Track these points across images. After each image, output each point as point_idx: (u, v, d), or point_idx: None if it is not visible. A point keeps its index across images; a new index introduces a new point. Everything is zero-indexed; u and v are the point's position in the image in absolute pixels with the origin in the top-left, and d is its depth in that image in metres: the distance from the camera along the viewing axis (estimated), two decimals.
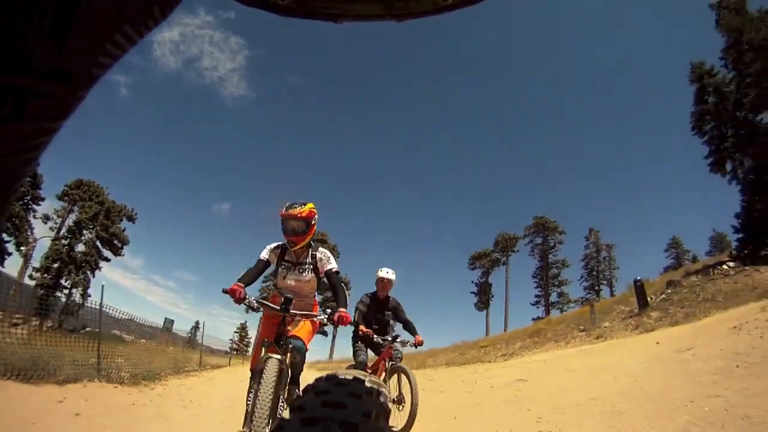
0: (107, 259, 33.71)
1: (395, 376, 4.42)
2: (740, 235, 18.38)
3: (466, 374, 12.15)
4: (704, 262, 21.00)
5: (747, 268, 16.28)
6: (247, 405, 2.65)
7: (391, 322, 4.99)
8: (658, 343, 8.63)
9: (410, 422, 3.94)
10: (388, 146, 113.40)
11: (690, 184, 77.06)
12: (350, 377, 1.03)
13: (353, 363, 5.05)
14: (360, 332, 4.62)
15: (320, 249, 3.21)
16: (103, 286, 8.56)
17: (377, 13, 0.50)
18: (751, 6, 21.54)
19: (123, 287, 69.29)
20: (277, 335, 2.71)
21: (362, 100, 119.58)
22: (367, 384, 1.01)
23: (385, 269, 4.91)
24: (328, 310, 2.95)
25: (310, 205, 3.06)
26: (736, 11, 20.96)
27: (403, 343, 4.76)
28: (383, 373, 4.49)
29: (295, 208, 3.00)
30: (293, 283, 3.11)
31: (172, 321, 20.24)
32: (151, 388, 7.14)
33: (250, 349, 37.07)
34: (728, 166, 19.92)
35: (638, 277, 15.76)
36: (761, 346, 5.30)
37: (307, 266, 3.13)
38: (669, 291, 15.88)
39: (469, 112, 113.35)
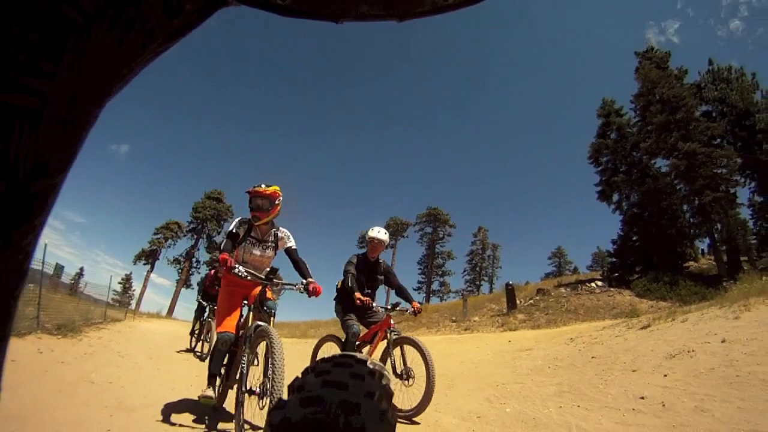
0: None
1: (398, 348, 3.84)
2: (613, 260, 21.45)
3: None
4: (578, 277, 24.00)
5: (612, 289, 18.91)
6: (241, 367, 2.76)
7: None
8: (510, 341, 9.66)
9: (427, 399, 3.43)
10: (296, 134, 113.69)
11: (583, 201, 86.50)
12: (351, 358, 0.98)
13: (330, 335, 4.69)
14: (357, 301, 3.95)
15: (281, 229, 3.43)
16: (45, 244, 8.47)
17: (377, 13, 0.51)
18: (673, 64, 24.60)
19: None
20: (260, 302, 2.96)
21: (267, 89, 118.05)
22: (370, 365, 0.96)
23: (377, 228, 4.39)
24: (303, 280, 3.19)
25: (276, 187, 3.27)
26: (657, 65, 23.66)
27: (402, 312, 4.21)
28: (382, 346, 4.00)
29: (261, 186, 3.22)
30: (255, 257, 3.31)
31: (62, 267, 18.47)
32: (79, 339, 6.94)
33: (134, 302, 35.35)
34: (615, 197, 22.89)
35: (510, 281, 17.25)
36: (574, 355, 6.29)
37: (269, 244, 3.36)
38: (537, 298, 17.85)
39: (382, 104, 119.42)
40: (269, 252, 3.37)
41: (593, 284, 19.87)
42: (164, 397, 3.73)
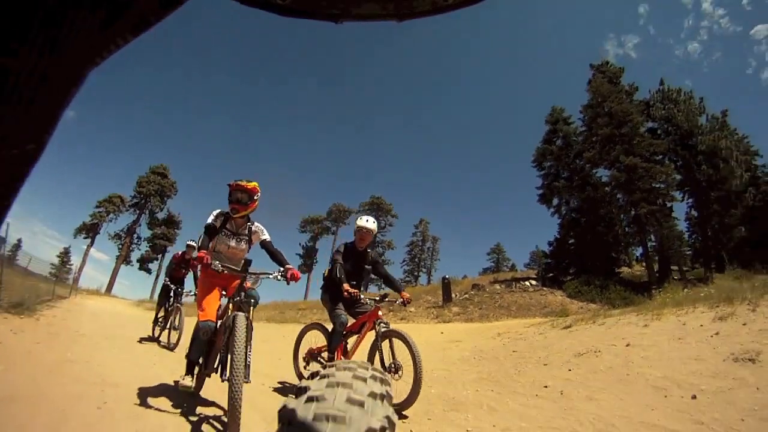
0: None
1: (386, 341, 3.77)
2: (549, 261, 22.06)
3: (286, 331, 12.71)
4: (514, 274, 24.66)
5: (545, 289, 19.63)
6: (220, 356, 2.89)
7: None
8: (442, 332, 9.84)
9: (415, 393, 3.45)
10: (245, 118, 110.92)
11: (526, 201, 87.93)
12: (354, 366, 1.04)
13: (315, 323, 4.66)
14: (345, 293, 3.85)
15: (256, 223, 3.54)
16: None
17: (377, 13, 0.50)
18: (628, 77, 25.46)
19: None
20: (240, 294, 3.03)
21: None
22: (371, 372, 1.03)
23: (365, 217, 4.32)
24: (281, 268, 3.27)
25: (255, 183, 3.38)
26: (610, 79, 24.47)
27: (391, 302, 4.21)
28: (369, 337, 3.95)
29: (243, 181, 3.33)
30: (229, 249, 3.41)
31: (4, 239, 16.96)
32: (37, 319, 6.81)
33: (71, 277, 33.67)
34: (555, 201, 23.55)
35: (447, 275, 17.57)
36: (498, 348, 6.74)
37: (243, 237, 3.46)
38: (472, 292, 18.33)
39: (335, 92, 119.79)
40: (243, 245, 3.47)
41: (528, 283, 20.40)
42: (141, 375, 3.99)
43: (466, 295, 17.85)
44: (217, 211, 3.44)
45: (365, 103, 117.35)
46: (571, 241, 21.55)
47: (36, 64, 0.33)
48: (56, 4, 0.31)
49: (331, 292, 4.09)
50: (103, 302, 21.18)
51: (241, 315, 2.79)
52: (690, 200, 26.16)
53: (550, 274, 21.12)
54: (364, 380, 0.90)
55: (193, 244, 7.33)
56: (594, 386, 3.87)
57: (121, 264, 39.95)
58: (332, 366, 1.04)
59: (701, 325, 5.26)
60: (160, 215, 42.38)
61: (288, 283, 3.20)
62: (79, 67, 0.37)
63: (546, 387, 4.05)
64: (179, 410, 3.03)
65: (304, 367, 4.32)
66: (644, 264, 23.63)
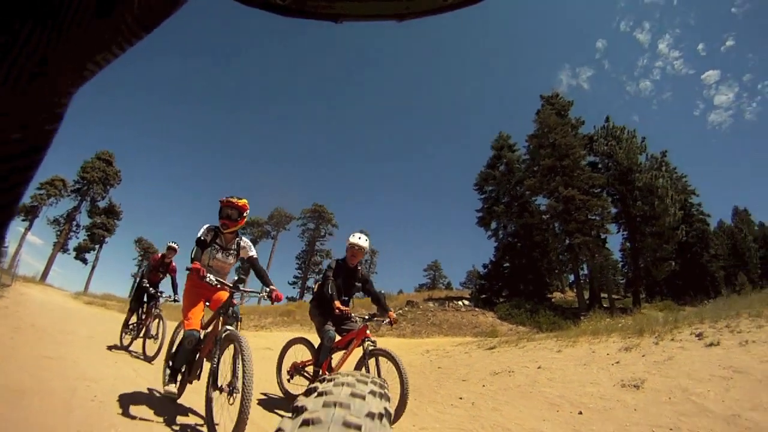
0: None
1: (373, 359, 3.83)
2: (483, 282, 22.61)
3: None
4: (448, 293, 25.19)
5: (477, 309, 20.16)
6: (212, 367, 2.97)
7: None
8: None
9: (401, 411, 3.50)
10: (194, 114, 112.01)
11: (465, 221, 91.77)
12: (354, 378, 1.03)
13: (299, 338, 4.64)
14: (336, 310, 3.93)
15: (244, 239, 3.71)
16: None
17: (377, 13, 0.50)
18: (578, 107, 26.63)
19: None
20: (226, 307, 3.16)
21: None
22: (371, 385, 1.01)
23: (357, 234, 4.31)
24: (267, 288, 3.44)
25: (245, 201, 3.56)
26: (558, 111, 25.46)
27: (379, 322, 4.28)
28: (355, 353, 3.99)
29: (234, 198, 3.50)
30: (219, 263, 3.59)
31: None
32: None
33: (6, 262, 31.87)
34: (493, 225, 24.25)
35: (382, 290, 17.66)
36: (425, 364, 7.27)
37: (232, 251, 3.63)
38: (406, 308, 18.75)
39: (288, 95, 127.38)
40: (231, 259, 3.64)
41: (461, 302, 20.87)
42: (114, 372, 4.28)
43: (400, 311, 18.17)
44: (207, 225, 3.63)
45: (316, 112, 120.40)
46: (506, 265, 22.22)
47: (37, 45, 0.31)
48: None
49: (322, 308, 4.15)
50: (44, 293, 20.11)
51: (238, 332, 2.98)
52: (625, 233, 27.57)
53: (484, 296, 21.67)
54: (363, 398, 0.88)
55: (174, 246, 6.99)
56: (501, 400, 4.49)
57: (58, 251, 37.89)
58: (330, 381, 1.01)
59: (607, 354, 5.80)
60: (102, 204, 40.53)
61: (272, 303, 3.43)
62: (82, 57, 0.36)
63: (461, 398, 4.65)
64: (162, 417, 3.14)
65: (288, 381, 4.37)
66: (575, 291, 24.64)
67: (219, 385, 2.89)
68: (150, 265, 7.07)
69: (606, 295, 26.58)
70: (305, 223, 49.22)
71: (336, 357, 4.14)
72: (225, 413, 2.73)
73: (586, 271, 24.92)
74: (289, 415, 0.85)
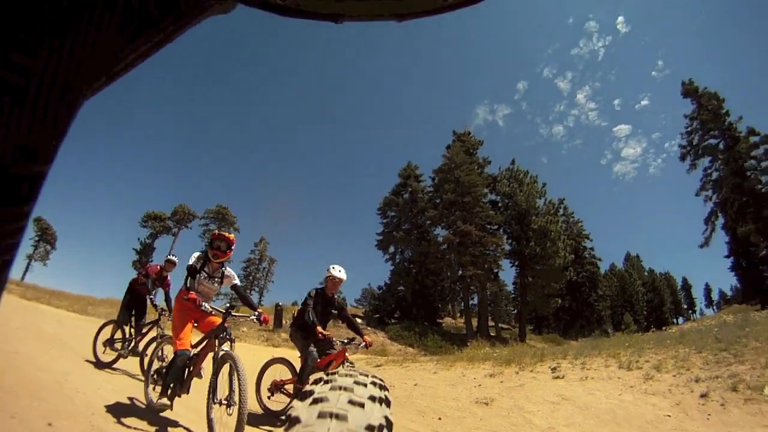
0: None
1: None
2: (377, 302, 23.85)
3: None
4: None
5: (370, 328, 21.11)
6: (212, 382, 3.36)
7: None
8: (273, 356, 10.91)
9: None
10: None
11: (365, 240, 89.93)
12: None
13: (278, 358, 4.88)
14: (319, 335, 4.32)
15: (228, 269, 4.16)
16: None
17: (377, 13, 0.50)
18: (489, 143, 29.10)
19: None
20: (219, 330, 3.58)
21: None
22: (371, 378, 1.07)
23: (337, 267, 4.72)
24: (255, 312, 3.96)
25: (234, 236, 4.10)
26: (467, 150, 27.67)
27: (356, 346, 4.63)
28: None
29: (225, 232, 4.04)
30: (205, 288, 4.02)
31: None
32: None
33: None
34: (391, 248, 25.75)
35: (280, 302, 18.63)
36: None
37: (216, 279, 4.06)
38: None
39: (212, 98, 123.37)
40: (215, 285, 4.09)
41: (355, 320, 21.61)
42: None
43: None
44: (198, 253, 4.04)
45: (231, 113, 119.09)
46: (400, 288, 23.61)
47: (57, 68, 0.32)
48: (68, 4, 0.32)
49: (303, 331, 4.56)
50: None
51: (233, 352, 3.39)
52: (518, 269, 30.30)
53: (377, 315, 22.79)
54: (362, 406, 0.85)
55: (174, 260, 6.63)
56: None
57: None
58: (327, 383, 0.99)
59: (474, 378, 6.93)
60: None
61: (260, 325, 4.07)
62: (101, 72, 0.37)
63: None
64: (154, 427, 3.49)
65: (269, 398, 4.64)
66: (464, 318, 26.66)
67: (218, 399, 3.30)
68: (151, 277, 6.47)
69: (494, 324, 28.85)
70: (207, 223, 47.70)
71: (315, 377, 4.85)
72: (219, 426, 3.19)
73: (476, 301, 27.11)
74: (278, 428, 1.11)
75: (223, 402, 3.28)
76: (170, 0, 0.39)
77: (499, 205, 28.41)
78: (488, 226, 25.99)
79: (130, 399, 4.14)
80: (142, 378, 4.15)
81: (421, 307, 23.03)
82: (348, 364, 4.29)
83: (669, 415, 5.04)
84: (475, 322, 26.22)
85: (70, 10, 0.32)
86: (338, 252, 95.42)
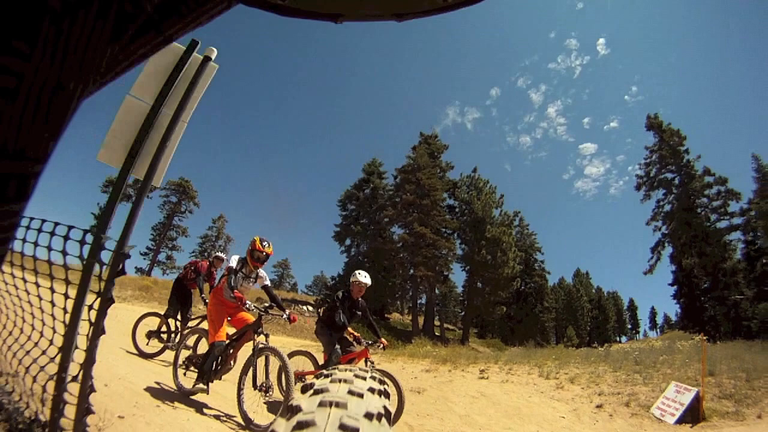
0: None
1: None
2: (329, 293, 24.50)
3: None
4: (295, 296, 26.72)
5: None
6: (252, 370, 3.84)
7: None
8: None
9: (397, 416, 4.30)
10: None
11: (323, 229, 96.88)
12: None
13: (302, 351, 5.36)
14: (350, 336, 4.94)
15: (261, 271, 4.57)
16: None
17: (377, 12, 0.51)
18: (455, 146, 30.19)
19: None
20: (257, 325, 4.11)
21: None
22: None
23: (363, 273, 5.09)
24: (286, 312, 4.39)
25: (272, 249, 4.48)
26: (432, 153, 28.64)
27: (377, 346, 5.00)
28: None
29: (267, 246, 4.39)
30: (243, 287, 4.43)
31: None
32: None
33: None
34: (347, 241, 26.53)
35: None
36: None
37: (252, 279, 4.50)
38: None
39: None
40: (251, 285, 4.55)
41: (305, 308, 22.43)
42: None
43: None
44: (238, 256, 4.51)
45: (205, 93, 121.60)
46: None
47: (49, 70, 0.32)
48: (61, 7, 0.31)
49: (331, 329, 5.00)
50: None
51: (273, 345, 3.94)
52: (468, 273, 31.63)
53: (327, 304, 23.35)
54: (361, 396, 0.86)
55: (222, 256, 7.15)
56: None
57: None
58: (327, 377, 1.02)
59: (412, 371, 7.85)
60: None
61: (290, 323, 4.55)
62: (93, 76, 0.36)
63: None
64: (192, 408, 3.84)
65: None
66: (411, 316, 27.70)
67: (257, 385, 3.80)
68: (203, 274, 6.85)
69: (440, 324, 30.06)
70: (168, 195, 46.31)
71: None
72: (258, 407, 3.72)
73: (425, 301, 28.20)
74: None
75: (262, 388, 3.82)
76: (171, 3, 0.41)
77: (457, 210, 29.60)
78: (443, 230, 27.11)
79: (165, 385, 4.39)
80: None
81: (371, 301, 23.86)
82: (370, 362, 4.86)
83: (563, 417, 6.16)
84: (421, 321, 27.33)
85: (63, 14, 0.32)
86: (295, 234, 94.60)
